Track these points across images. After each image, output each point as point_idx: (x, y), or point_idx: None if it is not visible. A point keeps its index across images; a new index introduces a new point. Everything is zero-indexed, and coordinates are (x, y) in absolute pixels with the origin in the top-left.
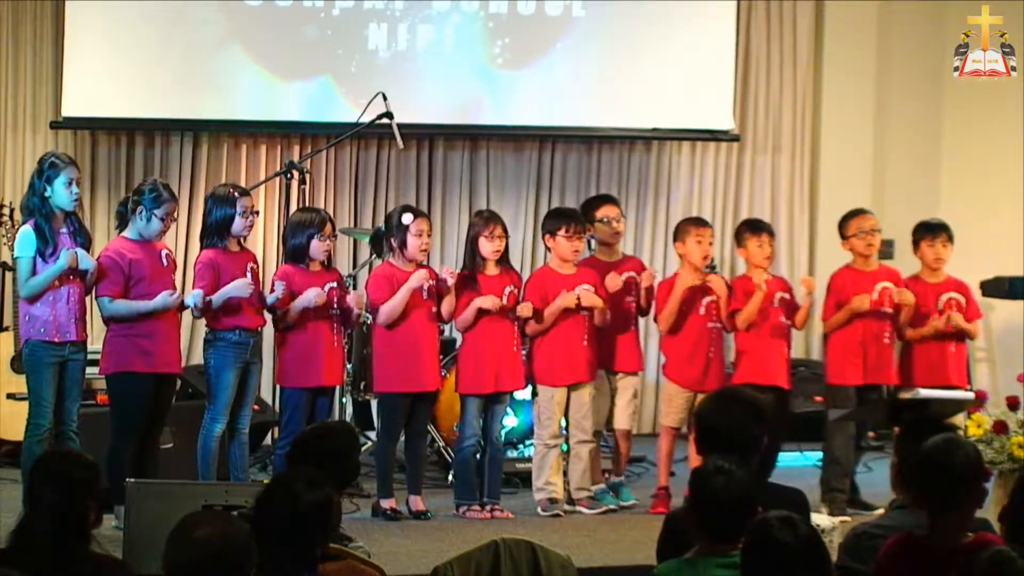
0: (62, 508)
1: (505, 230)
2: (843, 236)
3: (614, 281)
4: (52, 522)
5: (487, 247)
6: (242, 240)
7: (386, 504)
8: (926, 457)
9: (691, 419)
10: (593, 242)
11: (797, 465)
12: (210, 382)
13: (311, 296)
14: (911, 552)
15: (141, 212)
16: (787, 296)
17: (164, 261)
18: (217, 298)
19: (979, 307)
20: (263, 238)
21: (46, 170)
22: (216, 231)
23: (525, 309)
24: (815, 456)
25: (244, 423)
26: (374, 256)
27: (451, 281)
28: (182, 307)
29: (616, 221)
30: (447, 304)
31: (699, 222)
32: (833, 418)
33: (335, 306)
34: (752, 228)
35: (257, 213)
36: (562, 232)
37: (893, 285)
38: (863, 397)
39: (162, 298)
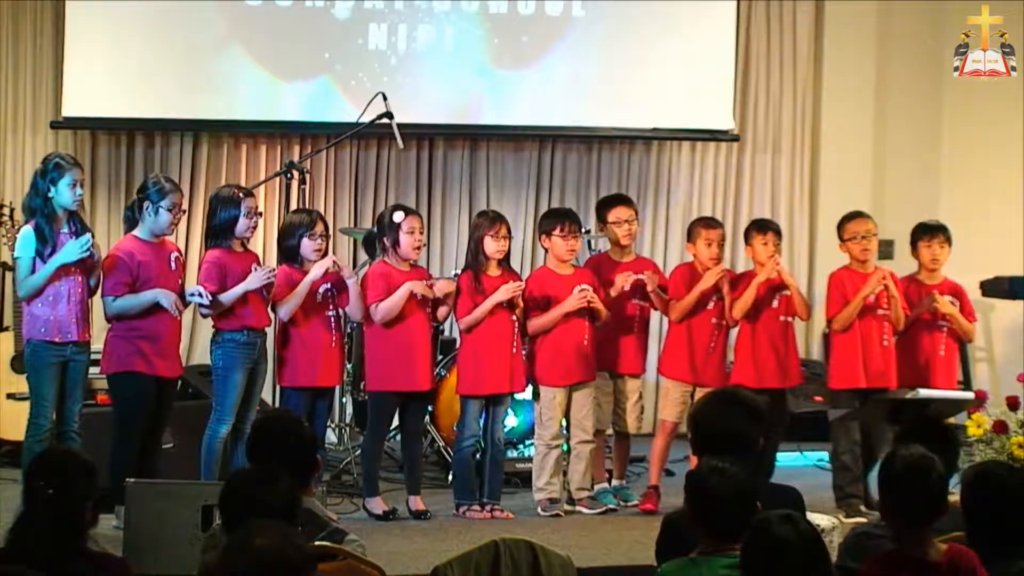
0: (58, 507)
1: (509, 231)
2: (840, 239)
3: (624, 280)
4: (49, 520)
5: (492, 247)
6: (245, 241)
7: (372, 504)
8: (901, 475)
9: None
10: (593, 241)
11: (797, 465)
12: (217, 383)
13: (324, 265)
14: (896, 566)
15: (148, 208)
16: (787, 294)
17: (172, 264)
18: (233, 293)
19: (975, 311)
20: (263, 239)
21: (50, 171)
22: (221, 232)
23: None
24: (815, 456)
25: (248, 424)
26: (370, 259)
27: (440, 292)
28: (184, 303)
29: (629, 223)
30: (442, 311)
31: (709, 223)
32: (832, 418)
33: (332, 308)
34: (759, 227)
35: (261, 214)
36: (557, 232)
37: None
38: (866, 402)
39: (164, 296)
